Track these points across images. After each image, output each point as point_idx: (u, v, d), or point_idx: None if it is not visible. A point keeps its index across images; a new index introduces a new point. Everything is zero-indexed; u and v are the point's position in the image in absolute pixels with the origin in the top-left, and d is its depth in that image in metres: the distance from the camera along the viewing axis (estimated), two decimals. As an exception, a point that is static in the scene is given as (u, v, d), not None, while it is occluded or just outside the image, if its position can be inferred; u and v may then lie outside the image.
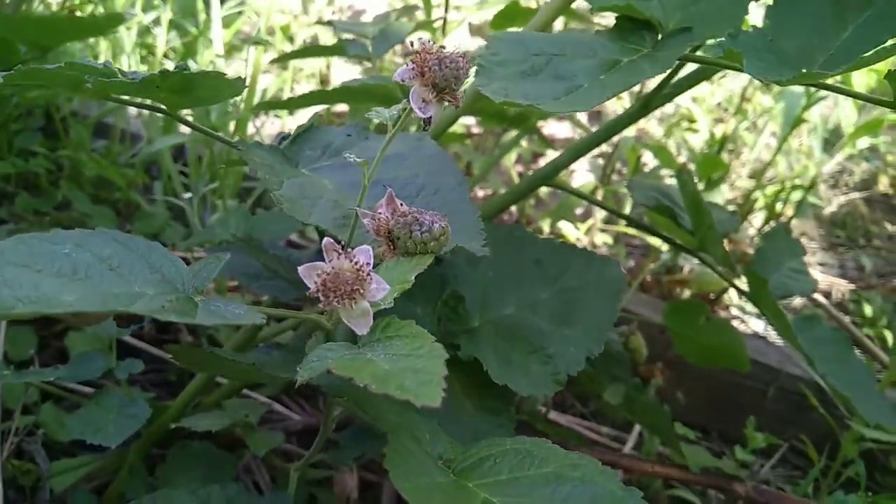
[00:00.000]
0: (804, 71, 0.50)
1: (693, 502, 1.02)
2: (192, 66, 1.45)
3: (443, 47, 0.39)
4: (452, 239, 0.47)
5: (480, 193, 1.72)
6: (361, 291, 0.38)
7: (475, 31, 2.00)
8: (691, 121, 1.62)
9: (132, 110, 1.45)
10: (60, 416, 0.98)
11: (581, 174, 1.61)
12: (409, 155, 0.58)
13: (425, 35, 0.37)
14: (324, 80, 1.87)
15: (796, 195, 1.58)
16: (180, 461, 0.78)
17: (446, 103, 0.40)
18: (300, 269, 0.38)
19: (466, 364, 0.62)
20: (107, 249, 0.39)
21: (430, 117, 0.40)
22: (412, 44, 0.39)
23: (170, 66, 1.52)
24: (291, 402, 1.06)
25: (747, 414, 1.22)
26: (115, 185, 1.33)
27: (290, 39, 1.75)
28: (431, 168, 0.57)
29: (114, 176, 1.26)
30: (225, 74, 0.46)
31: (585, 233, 1.56)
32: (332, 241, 0.39)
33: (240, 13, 1.59)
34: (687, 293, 1.49)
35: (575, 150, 0.83)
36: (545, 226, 1.59)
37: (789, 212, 1.64)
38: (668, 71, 0.54)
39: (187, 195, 1.14)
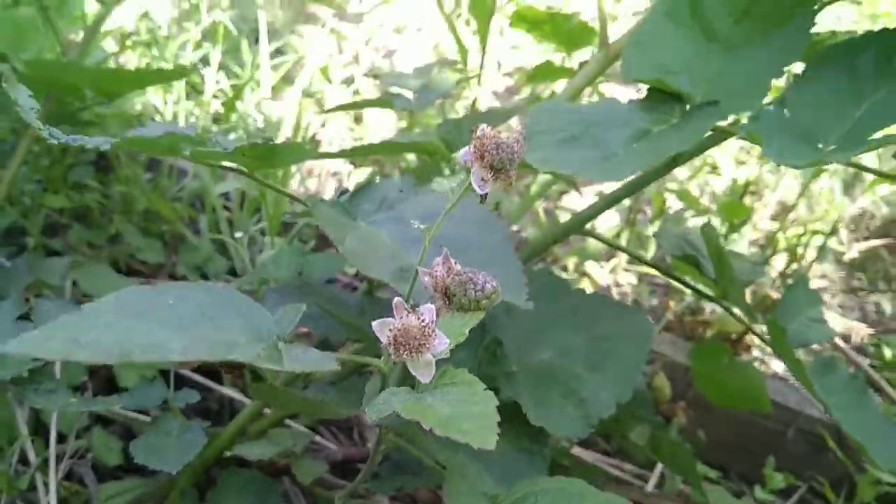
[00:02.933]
0: (819, 146, 0.55)
1: (714, 541, 1.05)
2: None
3: (499, 133, 0.45)
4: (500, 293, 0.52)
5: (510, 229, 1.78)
6: (427, 346, 0.44)
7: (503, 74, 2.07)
8: (714, 167, 1.67)
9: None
10: (109, 440, 1.04)
11: (606, 215, 1.66)
12: (456, 213, 0.64)
13: (486, 126, 0.43)
14: (357, 119, 1.94)
15: (817, 239, 1.61)
16: (232, 487, 0.83)
17: (502, 180, 0.45)
18: (374, 324, 0.44)
19: (503, 404, 0.67)
20: (204, 300, 0.45)
21: (487, 193, 0.46)
22: (474, 129, 0.45)
23: (216, 104, 1.61)
24: (328, 432, 1.12)
25: (767, 454, 1.25)
26: (162, 218, 1.41)
27: (329, 80, 1.83)
28: (477, 226, 0.63)
29: (164, 210, 1.33)
30: (302, 145, 0.52)
31: (610, 272, 1.60)
32: (401, 300, 0.44)
33: (284, 61, 1.68)
34: (709, 333, 1.53)
35: (606, 202, 0.89)
36: (570, 264, 1.64)
37: (811, 254, 1.67)
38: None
39: (238, 234, 1.21)
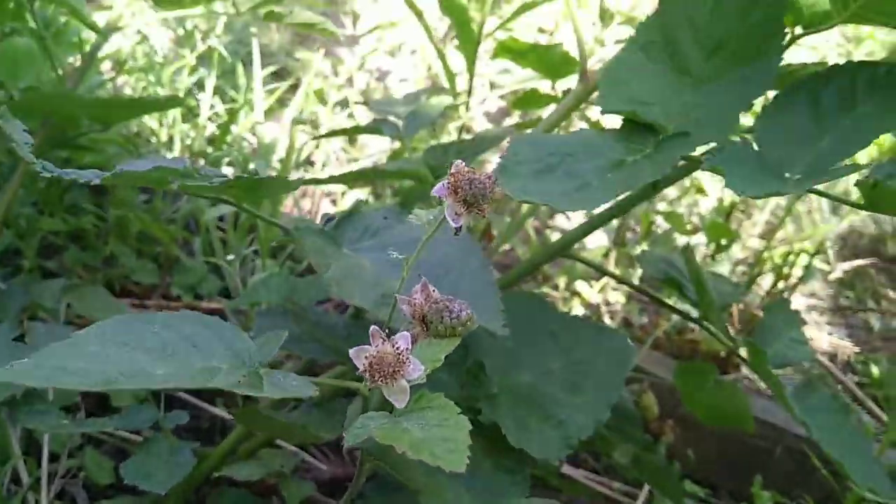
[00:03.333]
0: (786, 176, 0.57)
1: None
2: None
3: (473, 170, 0.47)
4: (476, 320, 0.54)
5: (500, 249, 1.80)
6: (401, 373, 0.45)
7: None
8: (700, 190, 1.70)
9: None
10: (101, 460, 1.05)
11: (595, 235, 1.69)
12: (439, 239, 0.66)
13: (460, 161, 0.45)
14: (351, 140, 1.97)
15: (804, 259, 1.64)
16: (220, 507, 0.85)
17: (475, 214, 0.48)
18: (351, 352, 0.46)
19: (485, 425, 0.69)
20: (188, 328, 0.47)
21: (461, 226, 0.48)
22: (449, 166, 0.47)
23: (211, 127, 1.64)
24: (318, 451, 1.13)
25: (756, 472, 1.26)
26: (156, 240, 1.43)
27: (324, 102, 1.86)
28: (458, 252, 0.65)
29: (158, 233, 1.36)
30: (287, 178, 0.55)
31: (599, 291, 1.62)
32: (377, 328, 0.46)
33: (279, 85, 1.71)
34: (698, 351, 1.55)
35: (590, 225, 0.91)
36: (561, 283, 1.66)
37: (798, 272, 1.69)
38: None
39: (230, 257, 1.23)
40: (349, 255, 0.64)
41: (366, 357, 0.46)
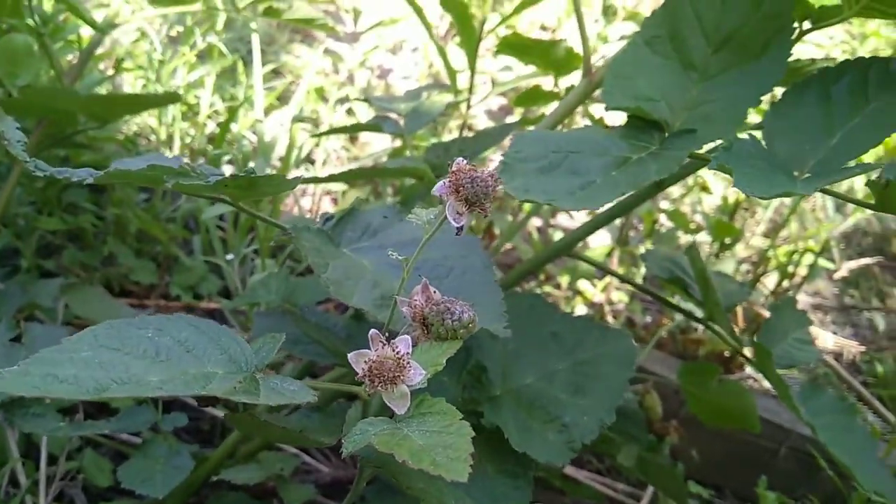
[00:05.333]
0: (794, 175, 0.56)
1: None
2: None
3: (475, 167, 0.46)
4: (478, 321, 0.52)
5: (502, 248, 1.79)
6: (402, 377, 0.44)
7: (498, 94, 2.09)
8: (704, 188, 1.68)
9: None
10: (100, 462, 1.04)
11: (598, 234, 1.67)
12: (440, 237, 0.64)
13: (461, 159, 0.44)
14: (352, 138, 1.96)
15: (809, 257, 1.62)
16: (219, 510, 0.83)
17: (477, 213, 0.46)
18: (350, 356, 0.45)
19: (487, 429, 0.67)
20: (183, 333, 0.46)
21: (462, 226, 0.47)
22: (450, 163, 0.46)
23: (211, 125, 1.62)
24: (319, 453, 1.12)
25: (760, 472, 1.25)
26: (156, 239, 1.42)
27: (324, 100, 1.84)
28: (459, 250, 0.64)
29: (157, 232, 1.34)
30: (284, 176, 0.53)
31: (602, 290, 1.61)
32: (377, 332, 0.45)
33: (279, 83, 1.69)
34: (702, 351, 1.53)
35: (593, 224, 0.90)
36: (563, 282, 1.64)
37: (803, 271, 1.68)
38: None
39: (229, 256, 1.22)
40: (348, 255, 0.63)
41: (365, 362, 0.44)
